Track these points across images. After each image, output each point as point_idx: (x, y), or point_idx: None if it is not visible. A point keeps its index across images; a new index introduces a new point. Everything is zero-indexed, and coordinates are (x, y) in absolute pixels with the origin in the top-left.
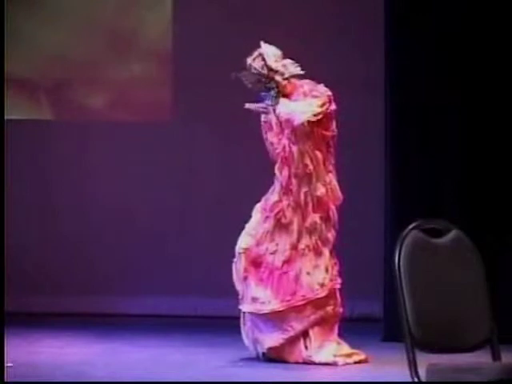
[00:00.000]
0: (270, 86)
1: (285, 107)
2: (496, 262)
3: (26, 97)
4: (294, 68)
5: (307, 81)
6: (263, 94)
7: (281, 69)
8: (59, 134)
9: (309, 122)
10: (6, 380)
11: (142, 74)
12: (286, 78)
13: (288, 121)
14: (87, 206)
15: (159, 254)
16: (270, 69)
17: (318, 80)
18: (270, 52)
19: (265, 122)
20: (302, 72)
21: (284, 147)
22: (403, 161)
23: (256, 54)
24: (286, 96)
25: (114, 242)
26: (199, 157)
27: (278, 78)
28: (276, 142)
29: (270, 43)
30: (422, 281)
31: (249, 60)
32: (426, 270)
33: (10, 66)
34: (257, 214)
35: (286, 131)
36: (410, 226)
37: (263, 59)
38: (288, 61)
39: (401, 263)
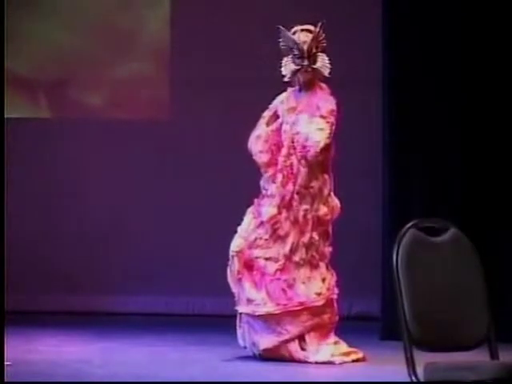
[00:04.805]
0: (296, 62)
1: (299, 127)
2: (494, 260)
3: (25, 95)
4: (324, 68)
5: (323, 84)
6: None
7: (318, 57)
8: (58, 133)
9: (321, 150)
10: (5, 379)
11: (140, 73)
12: (313, 69)
13: (304, 147)
14: (86, 204)
15: (157, 253)
16: (310, 49)
17: None
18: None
19: (274, 144)
20: (322, 76)
21: (292, 165)
22: (403, 161)
23: (309, 27)
24: (304, 86)
25: (112, 241)
26: (198, 155)
27: (306, 63)
28: (284, 159)
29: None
30: (420, 279)
31: (298, 27)
32: (424, 269)
33: (9, 64)
34: (248, 216)
35: (298, 154)
36: (408, 225)
37: (313, 38)
38: (327, 59)
39: (399, 262)
